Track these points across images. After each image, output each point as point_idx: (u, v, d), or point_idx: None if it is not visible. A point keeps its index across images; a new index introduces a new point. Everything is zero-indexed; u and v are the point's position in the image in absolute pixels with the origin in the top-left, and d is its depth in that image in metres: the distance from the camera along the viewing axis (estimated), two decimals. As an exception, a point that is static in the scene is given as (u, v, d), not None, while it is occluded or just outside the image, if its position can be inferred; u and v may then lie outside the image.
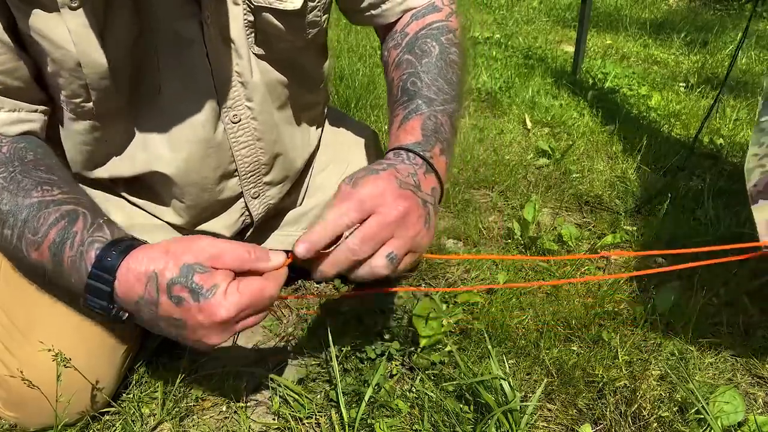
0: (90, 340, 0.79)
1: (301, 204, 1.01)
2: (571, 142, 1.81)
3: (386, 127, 1.93)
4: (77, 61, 0.64)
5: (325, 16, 0.82)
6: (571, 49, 2.91)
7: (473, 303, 1.04)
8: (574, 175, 1.60)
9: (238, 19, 0.73)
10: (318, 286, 1.14)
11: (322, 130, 1.01)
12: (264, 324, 1.03)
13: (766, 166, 0.91)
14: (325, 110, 1.02)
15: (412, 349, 0.92)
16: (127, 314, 0.61)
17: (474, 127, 1.99)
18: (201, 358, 0.92)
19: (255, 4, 0.73)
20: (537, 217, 1.35)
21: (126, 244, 0.61)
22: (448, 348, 0.92)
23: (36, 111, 0.71)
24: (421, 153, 0.67)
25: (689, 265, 0.80)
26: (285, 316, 1.05)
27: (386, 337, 0.95)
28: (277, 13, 0.74)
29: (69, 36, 0.62)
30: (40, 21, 0.61)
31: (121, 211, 0.84)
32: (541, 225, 1.34)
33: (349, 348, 0.91)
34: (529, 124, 2.00)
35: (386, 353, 0.90)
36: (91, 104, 0.70)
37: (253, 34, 0.76)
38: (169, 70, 0.72)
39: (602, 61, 2.78)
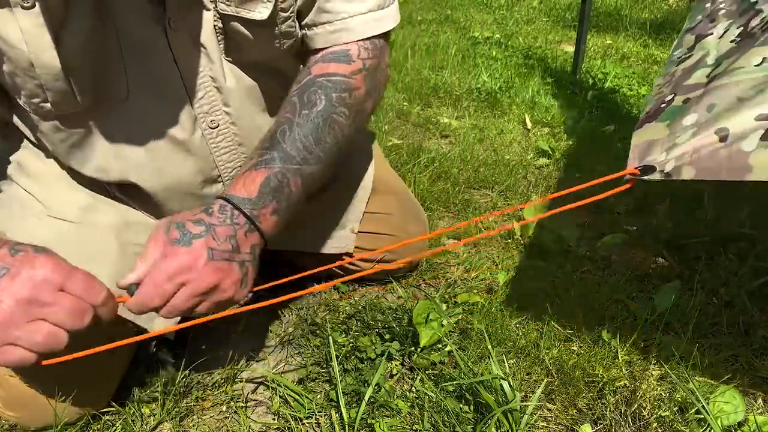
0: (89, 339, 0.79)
1: None
2: (571, 142, 1.81)
3: (386, 127, 1.93)
4: (29, 60, 0.64)
5: (299, 27, 0.80)
6: (571, 49, 2.91)
7: (473, 303, 1.04)
8: (574, 175, 1.61)
9: (208, 24, 0.72)
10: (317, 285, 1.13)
11: None
12: (264, 324, 1.03)
13: (664, 92, 0.83)
14: None
15: (412, 349, 0.92)
16: None
17: (474, 127, 1.99)
18: (201, 358, 0.92)
19: (222, 12, 0.72)
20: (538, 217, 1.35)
21: None
22: (448, 348, 0.92)
23: None
24: (248, 212, 0.69)
25: (548, 213, 0.73)
26: (285, 315, 1.05)
27: (386, 337, 0.95)
28: (245, 22, 0.73)
29: (21, 35, 0.62)
30: None
31: (113, 208, 0.83)
32: (540, 225, 1.34)
33: (349, 348, 0.91)
34: (529, 124, 2.00)
35: (386, 353, 0.90)
36: (49, 105, 0.69)
37: (223, 41, 0.75)
38: (135, 75, 0.72)
39: (602, 61, 2.78)
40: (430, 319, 0.92)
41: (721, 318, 1.03)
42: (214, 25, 0.73)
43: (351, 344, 0.93)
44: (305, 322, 1.01)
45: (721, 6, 0.91)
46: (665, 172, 0.68)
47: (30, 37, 0.62)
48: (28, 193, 0.82)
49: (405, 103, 2.19)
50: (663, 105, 0.77)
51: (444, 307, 1.00)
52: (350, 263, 1.07)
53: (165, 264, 0.63)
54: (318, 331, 0.98)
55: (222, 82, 0.76)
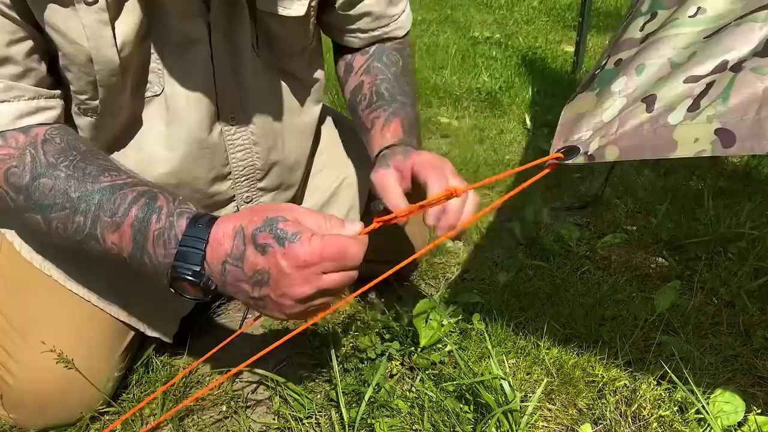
0: (88, 341, 0.79)
1: (300, 204, 1.01)
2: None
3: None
4: (89, 56, 0.64)
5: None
6: (571, 49, 2.91)
7: (473, 303, 1.04)
8: (574, 175, 1.61)
9: (244, 23, 0.73)
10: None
11: (319, 135, 1.00)
12: (264, 324, 1.03)
13: (602, 57, 0.79)
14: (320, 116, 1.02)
15: (412, 349, 0.92)
16: (215, 285, 0.60)
17: (474, 127, 1.99)
18: (200, 357, 0.92)
19: (259, 9, 0.73)
20: (537, 217, 1.35)
21: (210, 215, 0.62)
22: (448, 348, 0.92)
23: (54, 97, 0.68)
24: (411, 145, 0.81)
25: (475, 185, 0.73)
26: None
27: (386, 337, 0.95)
28: (281, 19, 0.75)
29: (83, 31, 0.62)
30: (55, 15, 0.61)
31: None
32: (541, 225, 1.34)
33: (349, 348, 0.91)
34: (529, 124, 2.00)
35: (386, 353, 0.90)
36: (96, 102, 0.69)
37: (256, 38, 0.76)
38: (172, 70, 0.72)
39: (602, 61, 2.77)
40: (430, 319, 0.92)
41: (721, 318, 1.03)
42: (249, 25, 0.74)
43: (351, 344, 0.92)
44: (305, 322, 1.01)
45: None
46: (589, 153, 0.65)
47: (91, 33, 0.63)
48: None
49: (405, 103, 2.18)
50: (597, 71, 0.75)
51: (444, 306, 1.00)
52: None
53: (425, 161, 0.74)
54: (318, 331, 0.98)
55: (248, 81, 0.77)
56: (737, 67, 0.60)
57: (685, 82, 0.63)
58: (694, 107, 0.60)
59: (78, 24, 0.62)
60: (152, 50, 0.70)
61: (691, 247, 1.25)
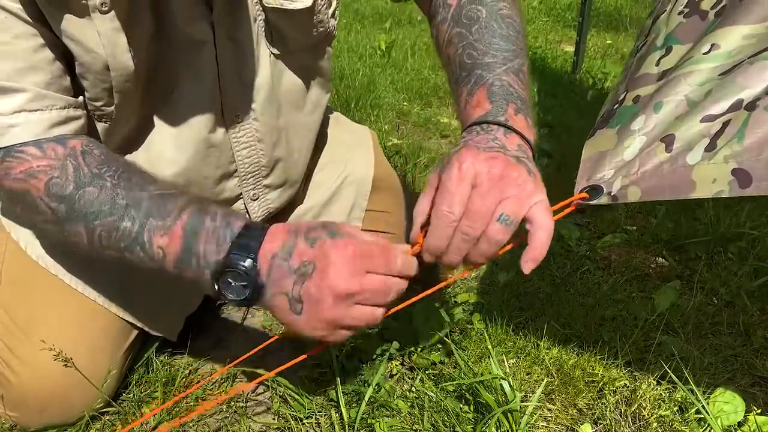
0: (91, 340, 0.79)
1: (302, 202, 1.01)
2: (571, 142, 1.81)
3: (386, 127, 1.93)
4: (105, 63, 0.64)
5: (331, 13, 0.83)
6: (571, 49, 2.91)
7: (473, 303, 1.04)
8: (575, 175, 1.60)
9: (247, 20, 0.73)
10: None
11: (323, 132, 1.01)
12: (264, 324, 1.03)
13: (619, 90, 0.79)
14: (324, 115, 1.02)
15: (412, 349, 0.92)
16: (263, 282, 0.60)
17: (474, 127, 1.99)
18: (201, 357, 0.92)
19: (266, 4, 0.73)
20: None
21: (265, 224, 0.63)
22: (448, 348, 0.92)
23: (79, 106, 0.68)
24: (495, 120, 0.64)
25: None
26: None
27: (386, 337, 0.95)
28: (285, 14, 0.75)
29: (99, 39, 0.63)
30: (71, 25, 0.61)
31: None
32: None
33: (349, 348, 0.91)
34: (529, 124, 2.00)
35: (386, 353, 0.90)
36: (111, 108, 0.70)
37: (264, 35, 0.76)
38: (180, 72, 0.73)
39: (602, 61, 2.78)
40: (430, 319, 0.92)
41: (721, 318, 1.03)
42: (257, 19, 0.74)
43: (351, 344, 0.92)
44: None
45: None
46: (612, 194, 0.66)
47: (107, 40, 0.63)
48: None
49: (405, 103, 2.18)
50: (616, 106, 0.76)
51: (444, 306, 1.00)
52: None
53: (447, 175, 0.59)
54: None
55: (252, 78, 0.77)
56: (751, 105, 0.61)
57: (702, 121, 0.64)
58: (711, 147, 0.61)
59: (94, 32, 0.62)
60: (162, 54, 0.71)
61: (691, 247, 1.25)
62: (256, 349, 0.73)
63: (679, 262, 1.21)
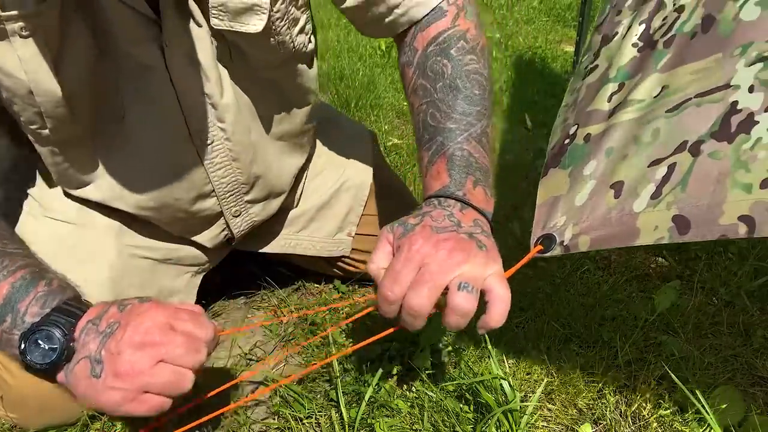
0: None
1: (297, 206, 1.00)
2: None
3: (386, 127, 1.93)
4: (29, 89, 0.63)
5: (297, 34, 0.77)
6: (571, 49, 2.91)
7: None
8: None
9: (204, 40, 0.71)
10: (318, 285, 1.14)
11: (311, 143, 0.99)
12: (264, 324, 1.03)
13: (569, 119, 0.78)
14: (315, 122, 0.99)
15: (412, 349, 0.92)
16: (74, 349, 0.58)
17: (474, 127, 1.99)
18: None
19: (215, 27, 0.70)
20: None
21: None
22: (448, 348, 0.92)
23: None
24: (453, 195, 0.65)
25: None
26: (285, 315, 1.05)
27: (386, 337, 0.95)
28: (238, 36, 0.71)
29: (20, 64, 0.61)
30: None
31: (112, 230, 0.83)
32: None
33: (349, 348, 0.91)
34: (529, 124, 2.00)
35: (386, 353, 0.90)
36: (47, 131, 0.69)
37: (227, 54, 0.74)
38: (131, 96, 0.71)
39: (602, 61, 2.77)
40: (430, 319, 0.92)
41: (721, 318, 1.03)
42: (212, 41, 0.71)
43: (351, 344, 0.92)
44: (305, 322, 1.01)
45: None
46: (564, 244, 0.67)
47: (29, 66, 0.61)
48: (25, 192, 0.82)
49: (405, 103, 2.18)
50: (566, 141, 0.76)
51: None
52: (348, 264, 1.08)
53: (397, 255, 0.59)
54: (318, 331, 0.98)
55: (217, 99, 0.75)
56: (696, 150, 0.61)
57: (649, 166, 0.64)
58: (656, 194, 0.62)
59: (14, 57, 0.60)
60: (108, 78, 0.69)
61: (691, 247, 1.25)
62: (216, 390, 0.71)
63: (679, 262, 1.21)
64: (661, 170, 0.62)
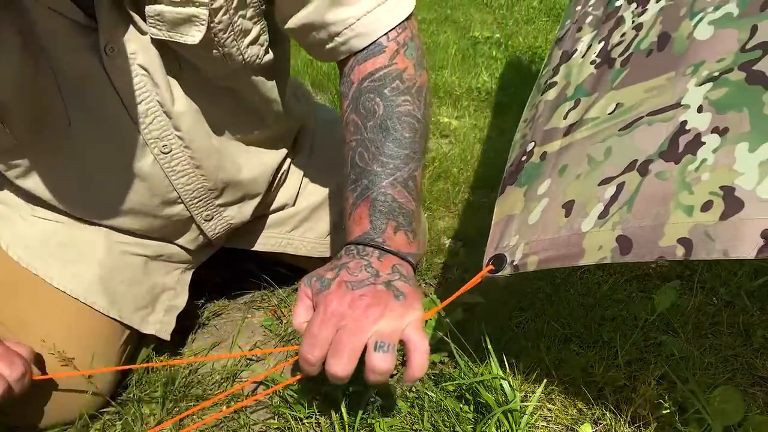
0: (82, 340, 0.78)
1: (294, 205, 1.00)
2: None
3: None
4: None
5: (248, 46, 0.75)
6: (571, 49, 2.91)
7: (473, 303, 1.04)
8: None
9: (149, 48, 0.70)
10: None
11: (292, 141, 0.98)
12: (264, 324, 1.03)
13: (527, 135, 0.77)
14: (298, 123, 0.99)
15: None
16: None
17: (474, 127, 1.99)
18: (201, 357, 0.92)
19: (154, 37, 0.69)
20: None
21: None
22: (448, 348, 0.92)
23: None
24: (372, 243, 0.66)
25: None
26: (285, 315, 1.05)
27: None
28: (179, 46, 0.70)
29: None
30: None
31: (101, 228, 0.84)
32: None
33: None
34: (529, 124, 2.00)
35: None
36: None
37: (169, 63, 0.72)
38: (75, 106, 0.71)
39: (602, 61, 2.77)
40: (430, 319, 0.92)
41: (721, 318, 1.03)
42: (155, 49, 0.70)
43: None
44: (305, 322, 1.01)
45: (590, 10, 0.84)
46: (515, 263, 0.67)
47: None
48: (11, 193, 0.82)
49: (405, 103, 2.18)
50: (523, 158, 0.76)
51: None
52: None
53: (314, 316, 0.60)
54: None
55: (170, 107, 0.74)
56: (645, 169, 0.61)
57: (600, 185, 0.64)
58: (604, 214, 0.62)
59: None
60: (48, 89, 0.68)
61: (691, 247, 1.24)
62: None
63: (679, 262, 1.21)
64: (610, 189, 0.62)
